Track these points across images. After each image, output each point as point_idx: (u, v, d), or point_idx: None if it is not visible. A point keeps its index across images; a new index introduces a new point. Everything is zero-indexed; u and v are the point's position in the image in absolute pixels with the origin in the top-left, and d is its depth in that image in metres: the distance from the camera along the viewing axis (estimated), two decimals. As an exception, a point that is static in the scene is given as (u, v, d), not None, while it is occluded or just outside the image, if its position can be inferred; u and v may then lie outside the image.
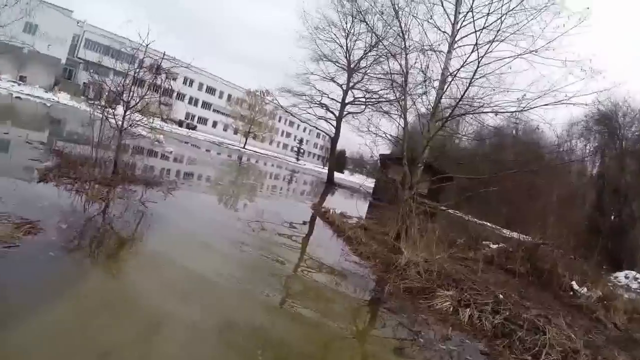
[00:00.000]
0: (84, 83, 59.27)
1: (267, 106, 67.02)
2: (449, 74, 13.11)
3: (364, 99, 32.81)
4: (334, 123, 34.35)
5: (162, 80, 11.35)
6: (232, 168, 25.21)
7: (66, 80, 56.23)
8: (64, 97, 41.11)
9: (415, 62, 13.26)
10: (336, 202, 21.77)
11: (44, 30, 49.25)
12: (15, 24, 43.84)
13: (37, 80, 46.59)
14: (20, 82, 42.69)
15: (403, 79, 13.38)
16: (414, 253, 9.20)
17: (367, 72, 31.65)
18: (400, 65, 13.40)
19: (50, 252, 4.71)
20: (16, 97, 28.13)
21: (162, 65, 10.94)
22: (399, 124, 14.83)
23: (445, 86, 13.14)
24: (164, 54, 11.89)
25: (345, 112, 33.74)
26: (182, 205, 9.62)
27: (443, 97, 13.65)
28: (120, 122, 10.13)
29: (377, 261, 9.34)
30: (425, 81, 13.54)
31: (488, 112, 13.02)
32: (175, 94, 75.88)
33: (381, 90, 30.99)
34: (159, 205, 8.48)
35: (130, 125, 10.45)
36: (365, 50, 32.02)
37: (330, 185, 33.95)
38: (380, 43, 21.04)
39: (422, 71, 13.28)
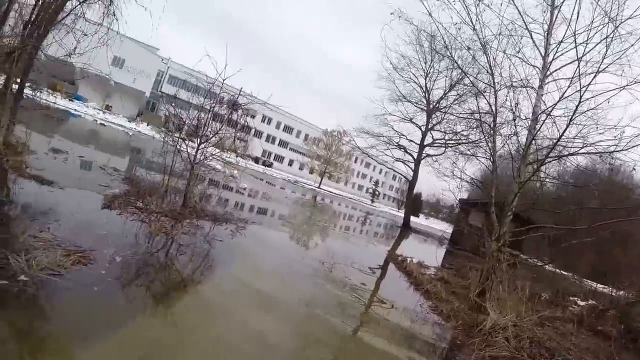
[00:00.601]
0: (165, 115, 62.27)
1: (343, 147, 67.05)
2: (540, 111, 11.74)
3: (443, 141, 31.43)
4: (412, 165, 33.13)
5: (238, 116, 11.03)
6: (306, 207, 24.62)
7: (149, 112, 59.66)
8: (144, 127, 43.10)
9: (505, 100, 12.11)
10: (411, 248, 20.50)
11: (130, 64, 52.76)
12: (104, 56, 46.95)
13: (122, 109, 49.64)
14: (106, 111, 45.54)
15: (492, 118, 12.19)
16: (501, 315, 7.88)
17: (447, 112, 30.46)
18: (489, 103, 12.24)
19: (94, 286, 4.21)
20: (100, 124, 29.57)
21: (239, 102, 10.57)
22: (486, 167, 13.52)
23: (539, 125, 11.75)
24: (241, 90, 11.53)
25: (423, 155, 32.47)
26: (250, 246, 8.96)
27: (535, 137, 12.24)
28: (193, 155, 9.88)
29: (459, 323, 8.06)
30: (514, 119, 12.22)
31: (590, 153, 11.39)
32: (252, 131, 78.11)
33: (463, 130, 29.69)
34: (225, 245, 7.91)
35: (204, 158, 10.19)
36: (445, 90, 30.99)
37: (405, 229, 32.42)
38: (465, 78, 19.91)
39: (512, 110, 12.03)
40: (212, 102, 10.48)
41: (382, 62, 33.59)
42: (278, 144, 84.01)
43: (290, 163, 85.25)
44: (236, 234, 9.18)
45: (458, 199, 31.17)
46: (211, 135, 10.36)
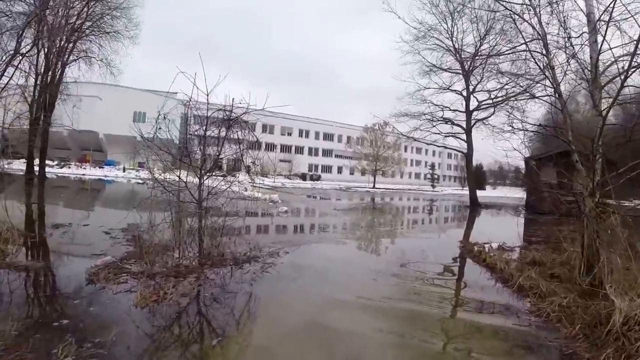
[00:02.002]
0: (201, 157, 62.21)
1: (388, 138, 64.20)
2: (596, 19, 8.80)
3: (490, 100, 28.20)
4: (464, 137, 30.02)
5: (241, 131, 8.93)
6: (360, 213, 22.21)
7: (185, 158, 59.01)
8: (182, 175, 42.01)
9: (550, 18, 9.38)
10: (486, 228, 17.61)
11: (152, 116, 51.93)
12: (124, 116, 47.65)
13: (156, 163, 48.69)
14: (139, 169, 45.33)
15: (541, 43, 9.44)
16: (632, 302, 5.14)
17: (486, 67, 27.37)
18: (532, 25, 9.52)
19: None
20: (136, 182, 29.09)
21: (237, 115, 8.50)
22: (551, 105, 10.70)
23: (601, 35, 8.78)
24: (233, 102, 9.28)
25: (473, 121, 29.31)
26: (280, 284, 6.61)
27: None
28: (201, 193, 8.05)
29: (576, 327, 5.35)
30: (569, 37, 9.33)
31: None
32: (293, 149, 76.84)
33: (509, 81, 26.44)
34: (238, 299, 5.71)
35: (214, 193, 8.48)
36: (476, 45, 27.96)
37: (474, 207, 29.25)
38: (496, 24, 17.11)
39: (562, 25, 9.22)
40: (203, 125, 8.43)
41: (402, 36, 30.32)
42: (322, 154, 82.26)
43: (340, 170, 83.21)
44: (262, 274, 6.98)
45: (525, 157, 27.87)
46: (211, 164, 8.40)
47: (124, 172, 42.89)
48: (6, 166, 8.15)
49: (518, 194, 58.75)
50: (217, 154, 8.45)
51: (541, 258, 9.00)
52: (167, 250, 7.38)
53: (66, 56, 27.93)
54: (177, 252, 7.34)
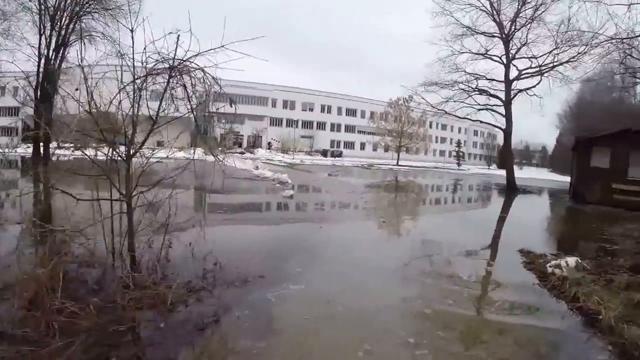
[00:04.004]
0: (221, 134, 60.00)
1: (413, 113, 60.46)
2: None
3: (537, 67, 24.56)
4: (501, 110, 26.43)
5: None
6: (378, 198, 19.06)
7: (203, 136, 56.92)
8: (197, 153, 39.84)
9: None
10: (540, 224, 14.43)
11: (167, 95, 49.83)
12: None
13: (174, 143, 46.95)
14: (156, 148, 43.06)
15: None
16: None
17: (530, 29, 23.92)
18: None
19: None
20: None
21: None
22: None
23: None
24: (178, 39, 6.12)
25: (513, 92, 25.70)
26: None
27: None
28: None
29: None
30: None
31: None
32: (315, 124, 73.76)
33: (558, 46, 23.04)
34: None
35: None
36: (518, 3, 24.31)
37: (512, 192, 25.68)
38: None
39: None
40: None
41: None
42: (345, 130, 78.79)
43: (362, 147, 79.70)
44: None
45: (575, 137, 24.42)
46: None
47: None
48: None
49: (548, 176, 54.97)
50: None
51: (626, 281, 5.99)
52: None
53: (68, 36, 26.26)
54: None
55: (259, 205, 14.20)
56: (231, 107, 6.22)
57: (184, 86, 5.30)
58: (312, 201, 15.73)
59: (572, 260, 6.92)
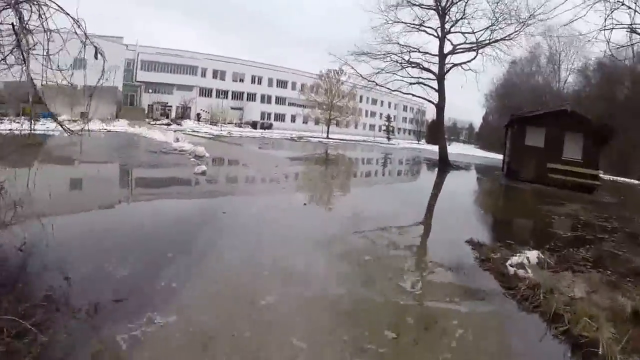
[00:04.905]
0: (148, 105, 56.66)
1: (343, 87, 59.30)
2: None
3: (474, 43, 23.97)
4: (434, 85, 25.67)
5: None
6: (315, 172, 17.88)
7: (129, 107, 53.48)
8: (120, 125, 37.03)
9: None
10: (482, 205, 13.69)
11: (93, 62, 45.98)
12: (62, 64, 41.91)
13: (99, 113, 43.68)
14: (79, 119, 39.83)
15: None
16: None
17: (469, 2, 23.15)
18: None
19: None
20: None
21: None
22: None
23: None
24: None
25: (448, 66, 25.01)
26: None
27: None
28: None
29: None
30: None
31: None
32: (245, 95, 71.17)
33: (493, 25, 22.66)
34: None
35: None
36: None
37: (445, 167, 25.19)
38: None
39: None
40: None
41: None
42: (275, 102, 76.41)
43: (293, 119, 77.77)
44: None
45: (511, 115, 24.26)
46: None
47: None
48: None
49: (475, 152, 56.39)
50: None
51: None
52: None
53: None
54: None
55: (157, 182, 11.81)
56: (96, 59, 4.51)
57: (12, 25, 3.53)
58: (225, 178, 13.90)
59: (533, 256, 5.92)
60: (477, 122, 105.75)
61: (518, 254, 6.06)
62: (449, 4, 24.21)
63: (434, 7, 24.78)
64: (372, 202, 11.38)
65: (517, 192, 17.01)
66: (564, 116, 19.77)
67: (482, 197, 15.57)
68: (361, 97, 72.97)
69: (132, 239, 5.80)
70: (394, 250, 6.49)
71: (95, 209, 7.32)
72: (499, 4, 22.22)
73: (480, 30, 23.46)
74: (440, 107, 25.87)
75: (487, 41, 23.34)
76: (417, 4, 24.88)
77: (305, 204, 9.49)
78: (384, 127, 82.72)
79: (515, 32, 22.66)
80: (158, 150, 17.73)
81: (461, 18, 23.88)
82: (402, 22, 25.21)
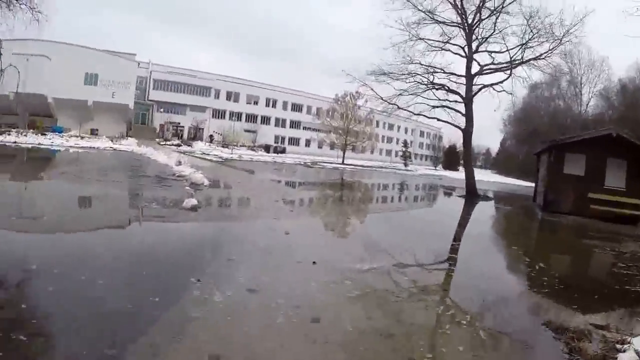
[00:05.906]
0: (160, 125, 55.72)
1: (360, 111, 57.39)
2: None
3: (507, 62, 21.88)
4: (460, 108, 23.44)
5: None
6: (327, 209, 15.47)
7: (140, 126, 52.35)
8: (127, 144, 35.74)
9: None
10: (533, 252, 10.68)
11: (105, 78, 45.68)
12: (75, 77, 41.66)
13: (109, 130, 42.59)
14: (91, 136, 40.72)
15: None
16: None
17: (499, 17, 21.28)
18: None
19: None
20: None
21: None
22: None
23: None
24: None
25: (476, 87, 22.79)
26: None
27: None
28: None
29: None
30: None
31: None
32: (259, 118, 69.98)
33: (529, 40, 20.73)
34: None
35: None
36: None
37: (472, 198, 22.65)
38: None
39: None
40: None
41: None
42: (290, 126, 75.11)
43: (308, 143, 76.27)
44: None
45: (549, 141, 21.94)
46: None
47: (84, 138, 37.25)
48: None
49: (494, 177, 53.83)
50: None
51: None
52: None
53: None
54: None
55: (122, 219, 8.63)
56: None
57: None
58: (219, 216, 10.46)
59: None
60: (492, 146, 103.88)
61: (619, 343, 3.91)
62: (476, 20, 22.16)
63: (460, 25, 22.73)
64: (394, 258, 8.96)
65: (565, 230, 14.56)
66: (606, 141, 17.67)
67: (530, 241, 12.59)
68: (377, 122, 71.11)
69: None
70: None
71: None
72: (532, 18, 20.27)
73: (513, 48, 21.35)
74: (468, 131, 23.46)
75: (519, 60, 21.24)
76: (442, 20, 22.83)
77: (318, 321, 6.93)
78: (400, 153, 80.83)
79: (550, 50, 20.70)
80: (154, 175, 15.92)
81: (490, 35, 21.71)
82: (425, 41, 23.05)
